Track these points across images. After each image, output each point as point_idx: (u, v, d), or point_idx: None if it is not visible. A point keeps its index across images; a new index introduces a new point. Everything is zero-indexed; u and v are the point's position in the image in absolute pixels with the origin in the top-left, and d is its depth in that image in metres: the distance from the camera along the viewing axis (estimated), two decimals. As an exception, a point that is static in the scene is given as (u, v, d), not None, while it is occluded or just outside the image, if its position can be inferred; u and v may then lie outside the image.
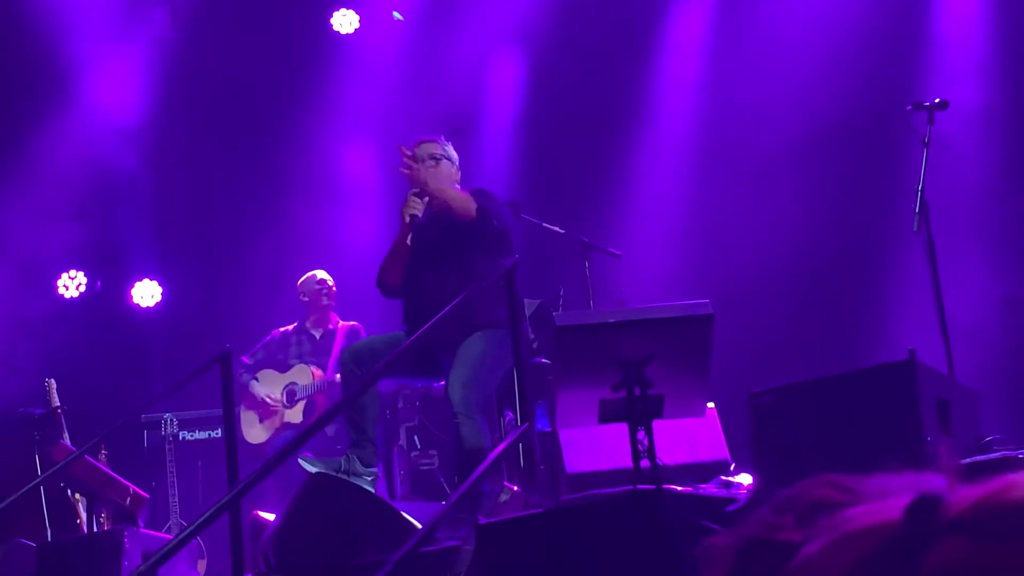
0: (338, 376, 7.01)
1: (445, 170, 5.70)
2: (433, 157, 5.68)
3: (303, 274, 7.86)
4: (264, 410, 7.36)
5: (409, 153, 5.55)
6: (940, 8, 8.55)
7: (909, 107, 5.88)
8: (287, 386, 7.36)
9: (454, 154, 5.81)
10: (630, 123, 9.23)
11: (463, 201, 5.48)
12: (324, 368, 7.41)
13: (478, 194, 5.58)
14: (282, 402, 7.33)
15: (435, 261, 5.53)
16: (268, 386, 7.40)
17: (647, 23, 9.27)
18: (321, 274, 7.77)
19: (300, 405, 7.33)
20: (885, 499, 0.83)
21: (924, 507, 0.79)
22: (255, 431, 7.42)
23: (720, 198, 8.84)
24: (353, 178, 9.55)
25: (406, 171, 5.49)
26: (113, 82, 9.07)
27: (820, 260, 8.48)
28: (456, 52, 9.36)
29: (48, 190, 8.81)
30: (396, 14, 9.40)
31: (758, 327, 8.21)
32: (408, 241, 5.64)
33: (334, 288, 7.74)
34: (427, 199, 5.61)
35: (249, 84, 9.33)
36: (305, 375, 7.36)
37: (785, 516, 0.86)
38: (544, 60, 9.44)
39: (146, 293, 9.35)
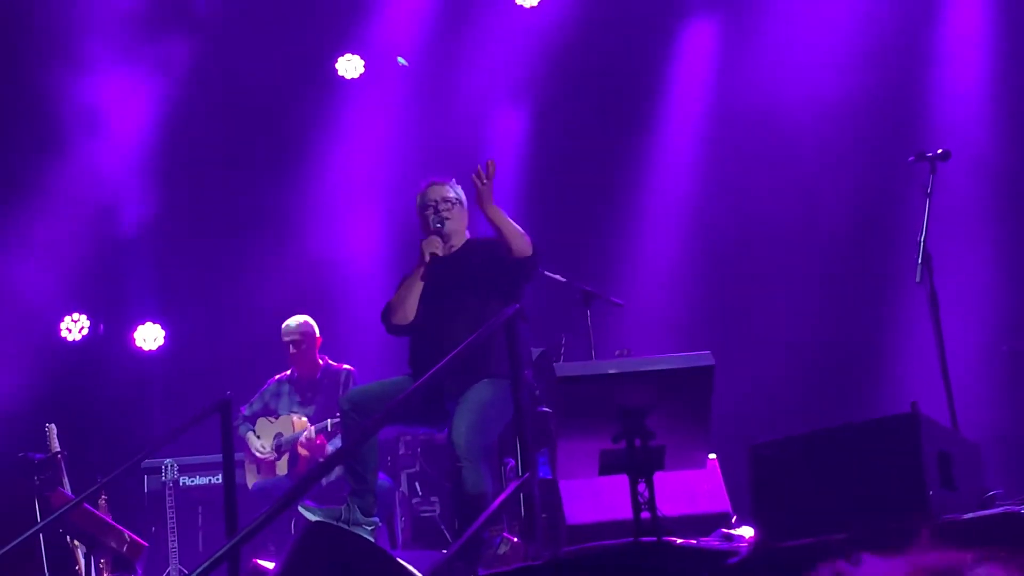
0: (329, 422, 6.97)
1: (459, 213, 5.59)
2: (448, 200, 5.57)
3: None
4: (260, 462, 7.30)
5: (491, 171, 5.26)
6: (943, 60, 8.59)
7: (911, 158, 5.90)
8: (275, 436, 7.30)
9: (464, 197, 5.66)
10: (633, 172, 9.25)
11: (521, 237, 5.31)
12: (310, 418, 7.27)
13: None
14: (272, 454, 7.26)
15: (450, 304, 5.38)
16: (262, 436, 7.33)
17: (650, 72, 9.32)
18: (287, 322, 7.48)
19: (285, 457, 7.25)
20: None
21: None
22: (255, 481, 7.36)
23: (722, 248, 8.86)
24: (356, 222, 9.56)
25: (480, 184, 5.23)
26: (117, 127, 9.10)
27: (822, 311, 8.48)
28: (460, 98, 9.40)
29: (51, 234, 8.83)
30: (401, 60, 9.46)
31: (760, 378, 8.19)
32: (421, 278, 5.47)
33: (299, 334, 7.34)
34: (448, 243, 5.49)
35: (253, 128, 9.37)
36: (288, 426, 7.27)
37: None
38: (547, 107, 9.48)
39: (149, 336, 9.35)
